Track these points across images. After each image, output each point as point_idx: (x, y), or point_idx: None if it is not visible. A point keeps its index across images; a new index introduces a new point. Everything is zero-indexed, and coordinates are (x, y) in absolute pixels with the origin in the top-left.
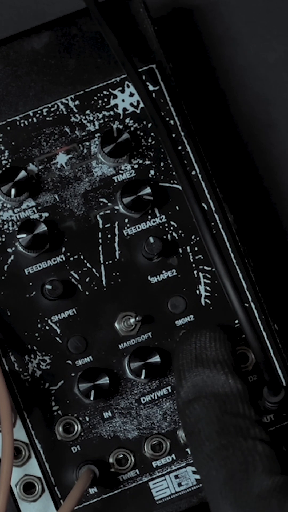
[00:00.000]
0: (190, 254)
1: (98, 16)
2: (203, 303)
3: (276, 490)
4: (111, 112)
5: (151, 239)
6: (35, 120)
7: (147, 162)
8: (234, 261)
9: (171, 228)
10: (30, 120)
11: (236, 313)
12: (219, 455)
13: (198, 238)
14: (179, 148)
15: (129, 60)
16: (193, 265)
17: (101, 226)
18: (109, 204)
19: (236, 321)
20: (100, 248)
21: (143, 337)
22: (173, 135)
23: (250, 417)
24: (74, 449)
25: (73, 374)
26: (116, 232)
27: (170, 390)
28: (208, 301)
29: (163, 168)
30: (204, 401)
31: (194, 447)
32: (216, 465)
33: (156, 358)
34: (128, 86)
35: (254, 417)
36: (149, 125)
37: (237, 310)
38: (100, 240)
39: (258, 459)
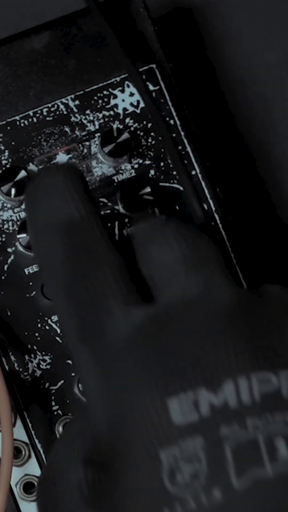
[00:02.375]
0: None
1: (99, 16)
2: None
3: (138, 328)
4: (111, 112)
5: None
6: (35, 120)
7: (147, 162)
8: (234, 261)
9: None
10: (30, 120)
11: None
12: (66, 289)
13: None
14: (179, 147)
15: (129, 59)
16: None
17: None
18: (109, 204)
19: None
20: None
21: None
22: (173, 135)
23: (101, 241)
24: None
25: (73, 374)
26: (116, 232)
27: None
28: None
29: (163, 168)
30: (53, 230)
31: (46, 286)
32: (64, 303)
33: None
34: (128, 86)
35: (106, 240)
36: (149, 125)
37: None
38: None
39: (108, 290)
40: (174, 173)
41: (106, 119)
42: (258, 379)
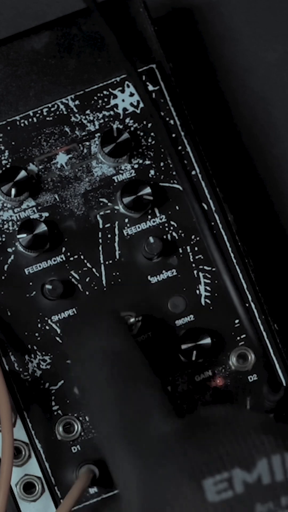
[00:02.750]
0: (190, 254)
1: (98, 16)
2: (203, 303)
3: (175, 434)
4: (111, 112)
5: (151, 239)
6: (35, 120)
7: (147, 162)
8: (234, 261)
9: (171, 228)
10: (30, 120)
11: (236, 310)
12: (116, 403)
13: (198, 238)
14: (179, 147)
15: (129, 60)
16: (193, 265)
17: (101, 226)
18: (109, 204)
19: (237, 321)
20: (100, 248)
21: (143, 337)
22: (173, 135)
23: (143, 369)
24: (74, 449)
25: (73, 374)
26: (116, 232)
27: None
28: (208, 301)
29: (163, 168)
30: (101, 357)
31: (92, 401)
32: (113, 413)
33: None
34: (128, 86)
35: (146, 362)
36: (149, 125)
37: (237, 307)
38: (100, 240)
39: (156, 405)
40: (174, 173)
41: (106, 119)
42: None
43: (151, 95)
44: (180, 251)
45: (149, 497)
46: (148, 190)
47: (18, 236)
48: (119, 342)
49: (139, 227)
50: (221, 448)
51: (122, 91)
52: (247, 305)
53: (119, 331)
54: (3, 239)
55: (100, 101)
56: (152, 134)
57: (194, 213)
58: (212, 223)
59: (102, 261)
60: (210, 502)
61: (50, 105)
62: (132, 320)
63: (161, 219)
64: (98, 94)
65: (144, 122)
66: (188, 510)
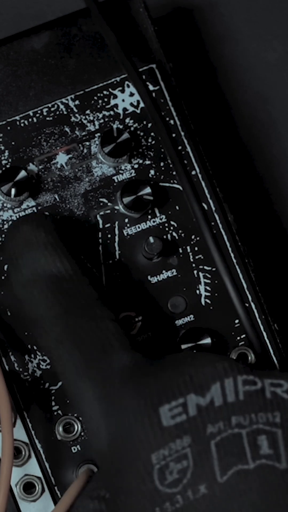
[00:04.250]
0: (190, 254)
1: (98, 16)
2: (203, 303)
3: (136, 366)
4: (111, 112)
5: (151, 239)
6: (35, 120)
7: (147, 162)
8: (234, 261)
9: (171, 228)
10: (30, 120)
11: (237, 310)
12: (69, 337)
13: (198, 238)
14: (179, 147)
15: (129, 59)
16: (193, 265)
17: (101, 226)
18: (109, 204)
19: (237, 321)
20: (100, 248)
21: (143, 337)
22: (173, 135)
23: (91, 296)
24: (74, 449)
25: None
26: (116, 232)
27: None
28: (208, 301)
29: (163, 168)
30: (41, 283)
31: (39, 336)
32: (68, 347)
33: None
34: (128, 86)
35: (96, 296)
36: (149, 125)
37: (237, 307)
38: (100, 240)
39: (112, 337)
40: (174, 173)
41: (106, 119)
42: (243, 380)
43: (151, 95)
44: (180, 251)
45: (113, 427)
46: (148, 190)
47: None
48: (58, 263)
49: (139, 227)
50: (180, 377)
51: (122, 91)
52: (247, 305)
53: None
54: (3, 239)
55: (100, 101)
56: (152, 134)
57: (194, 213)
58: (212, 223)
59: (102, 261)
60: (165, 426)
61: (50, 105)
62: (132, 320)
63: (161, 219)
64: (98, 94)
65: (144, 122)
66: (145, 436)
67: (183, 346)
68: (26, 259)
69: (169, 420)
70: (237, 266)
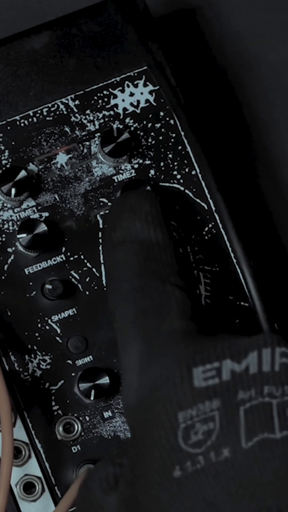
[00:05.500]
0: (190, 254)
1: (114, 9)
2: (203, 303)
3: (185, 332)
4: (111, 112)
5: None
6: (35, 120)
7: (147, 162)
8: (234, 261)
9: (171, 228)
10: (30, 120)
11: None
12: (134, 295)
13: (198, 238)
14: (179, 147)
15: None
16: (193, 265)
17: (101, 226)
18: (109, 204)
19: (237, 321)
20: (100, 248)
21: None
22: (182, 133)
23: (172, 266)
24: (74, 449)
25: (73, 374)
26: None
27: None
28: (208, 300)
29: (163, 168)
30: (129, 245)
31: (111, 290)
32: (129, 304)
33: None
34: (128, 86)
35: (177, 267)
36: (149, 125)
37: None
38: (100, 240)
39: (173, 303)
40: (174, 173)
41: (106, 119)
42: (281, 352)
43: (173, 88)
44: (180, 250)
45: (146, 381)
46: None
47: (18, 236)
48: (152, 232)
49: None
50: (219, 343)
51: (122, 91)
52: (247, 305)
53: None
54: (3, 239)
55: (100, 101)
56: (152, 134)
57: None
58: (212, 223)
59: (102, 261)
60: (196, 387)
61: (50, 105)
62: None
63: None
64: (98, 94)
65: (144, 122)
66: (174, 394)
67: None
68: (123, 221)
69: (201, 381)
70: (237, 266)
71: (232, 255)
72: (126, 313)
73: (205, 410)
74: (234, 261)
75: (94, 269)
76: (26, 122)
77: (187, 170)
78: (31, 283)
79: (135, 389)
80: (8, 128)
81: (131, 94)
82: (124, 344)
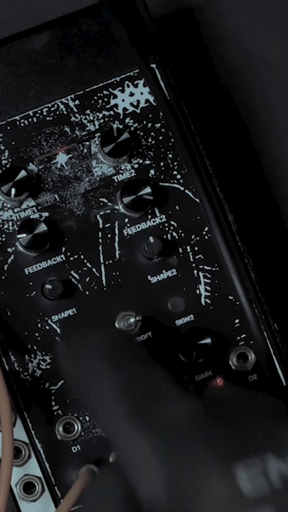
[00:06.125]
0: (190, 254)
1: (109, 13)
2: (203, 303)
3: (196, 414)
4: (111, 112)
5: (151, 239)
6: (35, 120)
7: (147, 162)
8: (234, 261)
9: (171, 228)
10: (30, 120)
11: (243, 308)
12: (119, 386)
13: (198, 238)
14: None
15: (140, 55)
16: (193, 265)
17: (101, 226)
18: (109, 204)
19: (237, 321)
20: (100, 248)
21: (143, 337)
22: (185, 132)
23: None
24: (74, 449)
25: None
26: (116, 231)
27: None
28: (208, 300)
29: (163, 168)
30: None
31: (87, 389)
32: (117, 396)
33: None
34: (128, 86)
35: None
36: (149, 125)
37: (244, 305)
38: (100, 240)
39: (165, 385)
40: (174, 173)
41: (106, 119)
42: None
43: (163, 92)
44: (180, 251)
45: (176, 482)
46: (148, 190)
47: (18, 236)
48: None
49: (139, 227)
50: (251, 434)
51: (122, 91)
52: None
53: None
54: (3, 239)
55: (100, 101)
56: (152, 134)
57: (204, 210)
58: (212, 223)
59: (102, 261)
60: (245, 494)
61: (50, 105)
62: (132, 320)
63: (161, 219)
64: (98, 94)
65: (144, 122)
66: (218, 500)
67: (183, 346)
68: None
69: (247, 484)
70: (237, 266)
71: (232, 255)
72: (116, 408)
73: None
74: (234, 261)
75: (94, 269)
76: (26, 122)
77: (187, 170)
78: (31, 283)
79: (161, 489)
80: (8, 128)
81: (131, 94)
82: (129, 442)
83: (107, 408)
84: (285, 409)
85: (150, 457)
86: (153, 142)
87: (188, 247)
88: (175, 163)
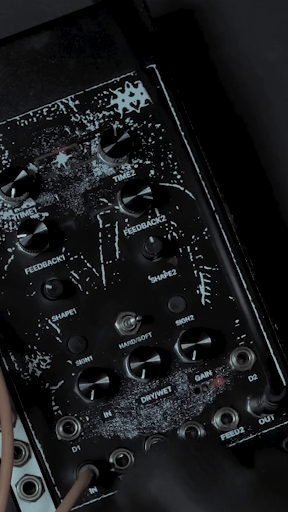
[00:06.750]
0: (190, 254)
1: (106, 14)
2: (203, 303)
3: (252, 484)
4: (111, 112)
5: (151, 239)
6: (35, 120)
7: (147, 162)
8: (234, 261)
9: (171, 228)
10: (30, 120)
11: (241, 310)
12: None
13: (198, 238)
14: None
15: (137, 57)
16: (193, 265)
17: (101, 226)
18: (109, 204)
19: (237, 321)
20: (100, 248)
21: (143, 337)
22: (182, 132)
23: None
24: (74, 449)
25: (73, 374)
26: (116, 232)
27: (170, 390)
28: (208, 300)
29: (163, 168)
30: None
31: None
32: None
33: (156, 358)
34: (128, 86)
35: None
36: (149, 125)
37: (242, 306)
38: (100, 240)
39: (219, 462)
40: (174, 173)
41: (106, 119)
42: None
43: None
44: (180, 251)
45: None
46: (148, 190)
47: (18, 236)
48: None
49: (139, 227)
50: None
51: (122, 91)
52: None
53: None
54: (3, 239)
55: (100, 101)
56: (152, 134)
57: (202, 215)
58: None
59: (102, 261)
60: None
61: (50, 105)
62: (132, 320)
63: (161, 219)
64: (98, 94)
65: (144, 122)
66: None
67: (183, 346)
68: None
69: None
70: (237, 266)
71: (232, 255)
72: (181, 487)
73: None
74: (234, 261)
75: (94, 269)
76: (26, 122)
77: (184, 172)
78: (31, 283)
79: None
80: (8, 128)
81: (131, 94)
82: None
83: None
84: None
85: None
86: (153, 142)
87: (188, 247)
88: (175, 163)
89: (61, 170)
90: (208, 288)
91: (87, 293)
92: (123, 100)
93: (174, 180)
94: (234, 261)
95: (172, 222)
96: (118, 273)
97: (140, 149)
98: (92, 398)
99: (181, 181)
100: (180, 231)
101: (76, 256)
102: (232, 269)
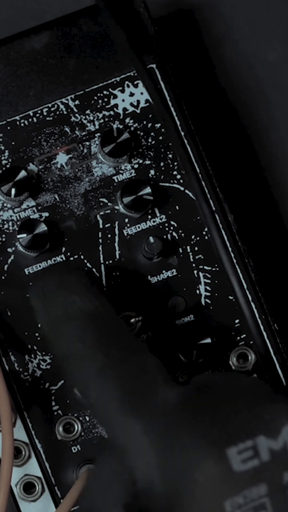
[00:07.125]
0: (190, 254)
1: (107, 14)
2: (203, 303)
3: (185, 399)
4: (111, 112)
5: (151, 239)
6: (35, 120)
7: (147, 162)
8: (234, 261)
9: (171, 228)
10: (30, 120)
11: (242, 309)
12: (110, 371)
13: (198, 238)
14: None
15: (137, 55)
16: (193, 265)
17: (101, 226)
18: (109, 204)
19: (237, 321)
20: (100, 248)
21: (143, 337)
22: (181, 132)
23: (128, 332)
24: (74, 449)
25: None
26: (116, 232)
27: None
28: (208, 300)
29: (163, 168)
30: (76, 321)
31: (77, 369)
32: (109, 383)
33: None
34: (128, 86)
35: (128, 330)
36: (149, 125)
37: (242, 306)
38: (100, 240)
39: (154, 371)
40: (174, 173)
41: (106, 119)
42: None
43: (159, 90)
44: (180, 251)
45: (171, 468)
46: (148, 190)
47: (18, 236)
48: (92, 301)
49: (139, 227)
50: (240, 415)
51: (122, 91)
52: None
53: (89, 290)
54: (3, 239)
55: (100, 101)
56: (152, 134)
57: (202, 216)
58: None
59: (102, 261)
60: (237, 471)
61: (50, 105)
62: (132, 320)
63: (161, 219)
64: (98, 94)
65: (144, 122)
66: (215, 481)
67: (183, 346)
68: (57, 298)
69: (239, 464)
70: (237, 266)
71: (232, 255)
72: (109, 394)
73: (252, 497)
74: (234, 261)
75: (94, 269)
76: (26, 122)
77: (184, 172)
78: (31, 283)
79: (157, 476)
80: (8, 128)
81: (131, 94)
82: (122, 429)
83: (97, 392)
84: (270, 389)
85: (142, 444)
86: (153, 142)
87: (188, 247)
88: (175, 163)
89: (61, 170)
90: (208, 288)
91: None
92: (123, 100)
93: (174, 180)
94: (234, 261)
95: (172, 222)
96: (118, 273)
97: (140, 149)
98: None
99: (181, 181)
100: (180, 231)
101: (76, 256)
102: (232, 269)
